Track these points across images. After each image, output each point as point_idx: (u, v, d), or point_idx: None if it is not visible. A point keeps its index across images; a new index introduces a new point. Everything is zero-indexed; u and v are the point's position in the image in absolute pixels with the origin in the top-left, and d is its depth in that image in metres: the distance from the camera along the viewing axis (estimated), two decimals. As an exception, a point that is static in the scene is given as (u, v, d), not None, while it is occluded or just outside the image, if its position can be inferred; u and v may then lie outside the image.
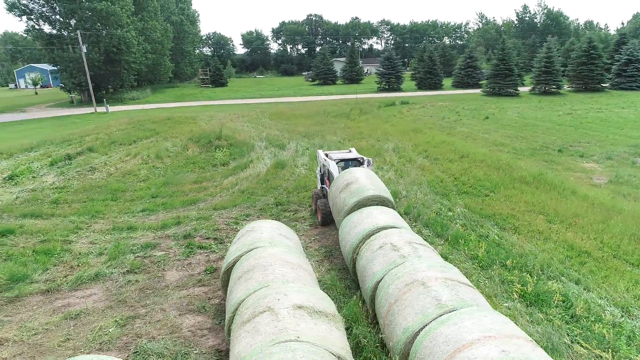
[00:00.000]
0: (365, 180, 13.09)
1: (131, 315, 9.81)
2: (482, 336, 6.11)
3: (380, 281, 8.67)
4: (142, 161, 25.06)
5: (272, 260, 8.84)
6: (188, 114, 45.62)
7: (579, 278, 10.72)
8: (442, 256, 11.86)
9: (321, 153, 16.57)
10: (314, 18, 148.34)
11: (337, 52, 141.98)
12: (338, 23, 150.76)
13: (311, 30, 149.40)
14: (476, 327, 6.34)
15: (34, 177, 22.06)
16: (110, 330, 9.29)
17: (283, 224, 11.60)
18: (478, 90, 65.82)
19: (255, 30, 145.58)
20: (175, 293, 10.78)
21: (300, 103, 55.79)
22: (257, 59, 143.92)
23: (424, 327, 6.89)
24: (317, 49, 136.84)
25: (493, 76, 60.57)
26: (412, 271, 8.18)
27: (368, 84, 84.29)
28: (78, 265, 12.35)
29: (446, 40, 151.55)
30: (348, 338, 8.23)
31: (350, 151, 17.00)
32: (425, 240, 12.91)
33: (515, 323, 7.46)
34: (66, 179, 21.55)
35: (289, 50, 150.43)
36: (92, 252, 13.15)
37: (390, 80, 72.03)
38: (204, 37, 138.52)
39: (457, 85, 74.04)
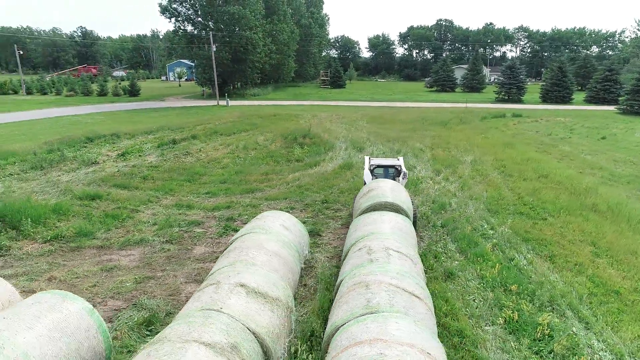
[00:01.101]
0: (386, 189, 13.31)
1: (149, 276, 11.54)
2: (375, 338, 6.34)
3: (343, 279, 9.08)
4: (230, 151, 27.71)
5: (251, 244, 9.78)
6: (295, 112, 48.48)
7: (587, 316, 9.74)
8: (450, 271, 11.69)
9: (367, 159, 16.95)
10: (443, 23, 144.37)
11: (466, 58, 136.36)
12: (469, 29, 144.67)
13: (439, 36, 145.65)
14: (378, 329, 6.56)
15: (140, 155, 25.92)
16: (128, 284, 11.09)
17: (293, 217, 12.39)
18: (613, 108, 58.42)
19: (382, 35, 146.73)
20: (192, 264, 12.31)
21: (406, 108, 55.39)
22: (381, 63, 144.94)
23: (345, 323, 7.24)
24: (444, 54, 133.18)
25: (633, 92, 53.26)
26: (366, 274, 8.47)
27: (487, 94, 79.87)
28: (133, 230, 14.64)
29: (594, 50, 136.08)
30: (303, 325, 8.82)
31: (398, 159, 17.07)
32: (442, 253, 12.79)
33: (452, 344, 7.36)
34: (162, 160, 24.93)
35: (414, 55, 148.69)
36: (148, 222, 15.43)
37: (510, 91, 67.45)
38: (332, 40, 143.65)
39: (591, 100, 66.41)
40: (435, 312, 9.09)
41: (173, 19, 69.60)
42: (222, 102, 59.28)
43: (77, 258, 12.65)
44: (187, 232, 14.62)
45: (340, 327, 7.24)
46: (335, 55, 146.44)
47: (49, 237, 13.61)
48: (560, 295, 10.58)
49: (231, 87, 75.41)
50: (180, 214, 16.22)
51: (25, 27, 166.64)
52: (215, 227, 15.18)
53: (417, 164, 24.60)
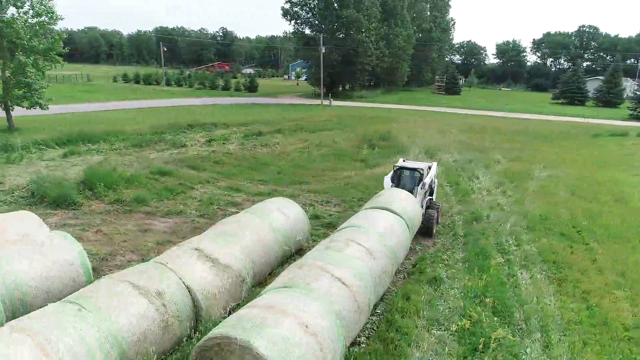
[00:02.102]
0: (395, 196, 13.59)
1: (169, 240, 13.48)
2: (268, 305, 7.18)
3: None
4: (304, 147, 29.37)
5: (235, 221, 11.06)
6: (393, 115, 48.77)
7: (553, 341, 9.16)
8: (438, 277, 11.68)
9: (400, 161, 17.10)
10: (586, 29, 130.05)
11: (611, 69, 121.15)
12: (618, 36, 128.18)
13: (581, 43, 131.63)
14: (277, 299, 7.42)
15: (223, 143, 28.90)
16: (149, 244, 13.14)
17: (297, 206, 13.27)
18: None
19: (513, 41, 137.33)
20: (209, 236, 13.99)
21: (515, 120, 51.98)
22: (508, 71, 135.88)
23: (265, 293, 8.10)
24: (585, 64, 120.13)
25: None
26: (312, 258, 9.21)
27: (624, 110, 70.59)
28: (179, 203, 16.92)
29: None
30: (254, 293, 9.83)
31: (430, 165, 16.95)
32: (444, 260, 12.77)
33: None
34: (240, 149, 27.51)
35: (548, 63, 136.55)
36: (196, 198, 17.63)
37: (648, 108, 59.06)
38: (456, 45, 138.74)
39: None
40: (384, 306, 9.41)
41: (293, 22, 74.10)
42: (326, 102, 61.69)
43: (126, 219, 15.18)
44: (221, 210, 16.43)
45: (261, 295, 8.13)
46: (459, 61, 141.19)
47: (112, 200, 16.47)
48: (539, 318, 10.01)
49: (341, 88, 77.85)
50: (225, 195, 18.18)
51: (179, 27, 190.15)
52: (241, 200, 16.80)
53: (484, 175, 23.62)
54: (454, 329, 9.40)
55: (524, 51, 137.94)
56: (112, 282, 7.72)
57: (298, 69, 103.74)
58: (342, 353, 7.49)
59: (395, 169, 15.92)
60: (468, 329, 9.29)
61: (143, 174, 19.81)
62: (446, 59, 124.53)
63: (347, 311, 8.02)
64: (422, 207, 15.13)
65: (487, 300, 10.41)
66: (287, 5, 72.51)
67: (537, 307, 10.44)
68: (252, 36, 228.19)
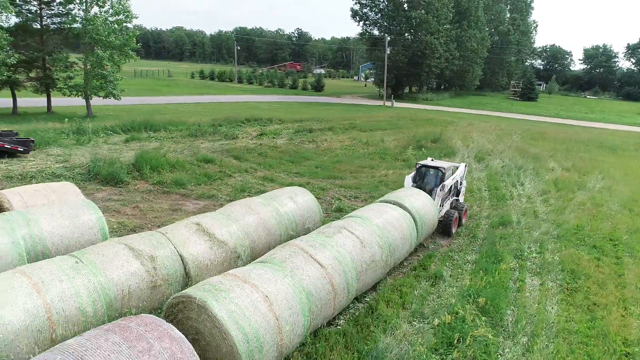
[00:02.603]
0: (408, 193, 13.78)
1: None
2: (236, 275, 7.79)
3: (293, 243, 10.38)
4: (350, 144, 29.76)
5: (244, 204, 11.86)
6: (453, 119, 47.61)
7: (539, 346, 8.91)
8: (440, 274, 11.70)
9: (428, 161, 17.03)
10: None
11: None
12: None
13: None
14: (247, 271, 8.00)
15: (273, 137, 30.07)
16: (175, 221, 14.30)
17: (311, 196, 13.70)
18: None
19: (603, 45, 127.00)
20: (231, 219, 14.91)
21: (588, 129, 48.52)
22: (595, 78, 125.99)
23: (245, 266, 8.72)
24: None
25: None
26: (299, 239, 9.69)
27: None
28: (214, 189, 18.07)
29: None
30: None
31: (457, 166, 16.75)
32: (453, 260, 12.73)
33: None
34: (287, 143, 28.50)
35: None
36: (230, 185, 18.71)
37: None
38: (538, 49, 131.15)
39: None
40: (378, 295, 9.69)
41: (361, 23, 74.47)
42: (388, 103, 61.41)
43: (162, 198, 16.58)
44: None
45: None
46: (540, 66, 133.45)
47: (155, 181, 18.02)
48: (532, 323, 9.73)
49: (408, 90, 77.00)
50: (258, 184, 19.11)
51: (257, 27, 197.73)
52: (276, 198, 17.58)
53: (530, 182, 22.62)
54: (436, 323, 9.43)
55: (615, 57, 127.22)
56: (112, 243, 8.75)
57: (367, 71, 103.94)
58: (305, 326, 7.91)
59: (417, 167, 15.89)
60: (449, 324, 9.28)
61: (187, 160, 21.35)
62: (525, 63, 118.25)
63: (318, 291, 8.41)
64: (441, 206, 15.03)
65: (480, 300, 10.26)
66: (357, 7, 73.09)
67: (533, 313, 10.12)
68: (328, 37, 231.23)
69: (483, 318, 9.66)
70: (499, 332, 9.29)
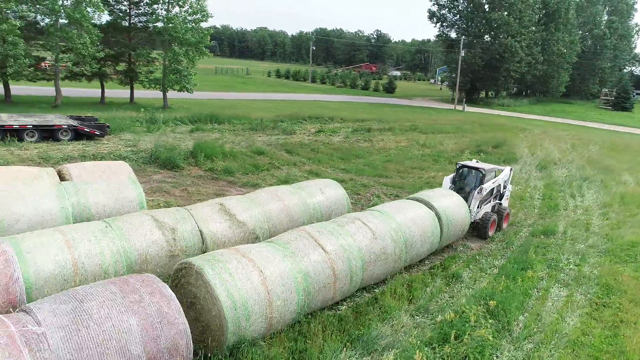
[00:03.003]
0: (438, 192, 13.88)
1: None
2: (238, 249, 8.42)
3: (308, 230, 10.85)
4: (406, 145, 29.57)
5: (272, 191, 12.58)
6: (525, 126, 45.26)
7: (539, 352, 8.62)
8: (458, 274, 11.60)
9: (472, 162, 16.72)
10: None
11: None
12: None
13: None
14: (249, 247, 8.60)
15: (330, 135, 30.64)
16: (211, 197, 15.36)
17: (342, 190, 14.07)
18: None
19: None
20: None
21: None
22: None
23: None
24: None
25: None
26: (310, 226, 10.15)
27: None
28: (260, 178, 19.02)
29: None
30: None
31: (502, 168, 16.31)
32: (479, 263, 12.58)
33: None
34: (342, 141, 28.95)
35: None
36: (276, 176, 19.55)
37: None
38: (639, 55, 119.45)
39: None
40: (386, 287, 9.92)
41: (438, 24, 72.84)
42: (459, 107, 59.60)
43: (210, 184, 17.80)
44: (292, 189, 18.07)
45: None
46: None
47: (207, 168, 19.35)
48: (542, 331, 9.38)
49: (484, 95, 74.13)
50: (302, 177, 19.76)
51: (338, 28, 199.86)
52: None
53: (593, 195, 21.17)
54: (439, 319, 9.42)
55: None
56: (140, 214, 9.79)
57: (443, 74, 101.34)
58: (298, 304, 8.35)
59: (457, 167, 15.65)
60: (451, 321, 9.24)
61: (241, 151, 22.57)
62: (623, 70, 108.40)
63: (317, 273, 8.82)
64: (478, 208, 14.74)
65: (491, 302, 10.03)
66: (434, 8, 71.63)
67: (548, 322, 9.73)
68: (409, 39, 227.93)
69: (490, 320, 9.46)
70: (503, 336, 9.08)
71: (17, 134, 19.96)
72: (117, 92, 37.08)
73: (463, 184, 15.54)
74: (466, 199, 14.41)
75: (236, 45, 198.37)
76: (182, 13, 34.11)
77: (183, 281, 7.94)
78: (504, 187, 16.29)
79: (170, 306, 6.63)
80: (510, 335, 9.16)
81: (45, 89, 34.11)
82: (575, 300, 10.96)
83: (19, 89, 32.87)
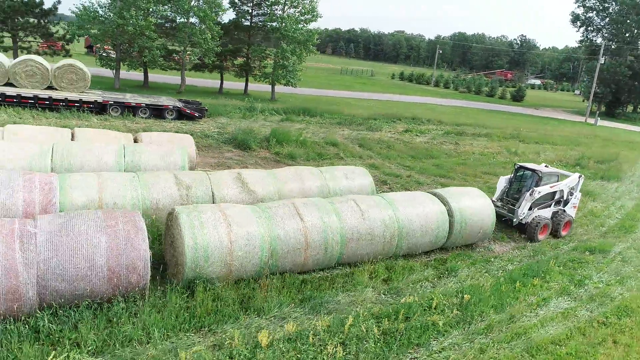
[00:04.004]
0: (461, 190, 13.86)
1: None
2: (218, 207, 9.88)
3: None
4: (494, 152, 28.23)
5: (294, 170, 13.79)
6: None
7: (488, 348, 8.49)
8: (450, 269, 11.61)
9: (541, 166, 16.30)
10: None
11: None
12: None
13: None
14: (228, 206, 10.01)
15: (416, 135, 30.62)
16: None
17: (370, 178, 14.66)
18: None
19: None
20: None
21: None
22: None
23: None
24: None
25: None
26: (304, 198, 11.17)
27: None
28: (319, 165, 20.33)
29: None
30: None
31: (569, 174, 16.09)
32: (498, 271, 12.37)
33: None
34: (425, 141, 28.79)
35: None
36: (333, 165, 20.64)
37: None
38: None
39: None
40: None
41: (582, 29, 66.06)
42: (591, 120, 53.52)
43: (270, 165, 19.61)
44: (343, 177, 19.01)
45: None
46: None
47: (274, 152, 21.27)
48: (506, 331, 9.11)
49: (632, 109, 65.26)
50: (368, 167, 20.48)
51: (479, 33, 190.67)
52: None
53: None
54: (402, 301, 9.71)
55: None
56: (166, 173, 11.82)
57: (583, 83, 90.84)
58: (261, 260, 9.47)
59: (515, 167, 15.58)
60: (409, 303, 9.49)
61: (315, 141, 24.11)
62: None
63: (287, 237, 9.83)
64: (530, 210, 14.63)
65: (465, 297, 9.96)
66: (579, 10, 65.16)
67: (519, 326, 9.35)
68: (561, 46, 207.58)
69: (455, 311, 9.47)
70: (459, 327, 9.06)
71: (133, 110, 24.19)
72: (234, 84, 41.47)
73: (520, 186, 15.49)
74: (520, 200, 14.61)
75: (372, 48, 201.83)
76: (295, 13, 36.94)
77: (169, 224, 9.65)
78: (571, 194, 15.64)
79: (138, 235, 8.33)
80: (467, 328, 9.10)
81: (175, 78, 39.76)
82: (574, 314, 10.20)
83: (155, 76, 38.89)
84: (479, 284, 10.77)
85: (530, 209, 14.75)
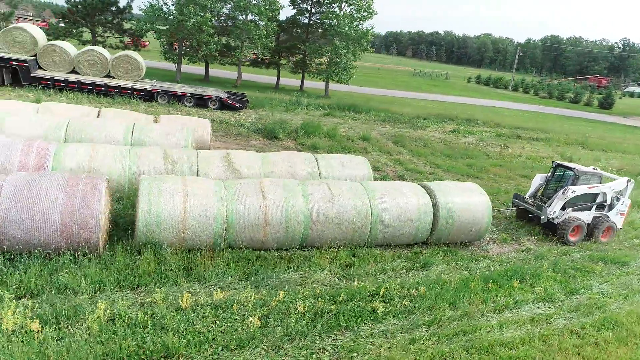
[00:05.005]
0: (457, 185, 13.25)
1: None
2: (187, 178, 10.34)
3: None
4: (542, 156, 26.21)
5: (287, 155, 13.93)
6: None
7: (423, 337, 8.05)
8: (426, 263, 11.13)
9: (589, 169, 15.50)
10: None
11: None
12: None
13: None
14: (197, 178, 10.43)
15: (463, 135, 29.30)
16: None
17: (368, 168, 14.36)
18: None
19: None
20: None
21: None
22: None
23: (218, 183, 11.10)
24: None
25: None
26: (273, 179, 11.31)
27: None
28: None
29: None
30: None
31: (615, 178, 15.38)
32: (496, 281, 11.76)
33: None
34: (469, 142, 27.47)
35: None
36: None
37: None
38: None
39: None
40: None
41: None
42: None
43: (291, 154, 19.89)
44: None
45: (219, 186, 11.17)
46: None
47: (299, 142, 21.54)
48: (449, 327, 8.56)
49: None
50: (382, 164, 20.10)
51: (576, 36, 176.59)
52: (390, 173, 18.66)
53: None
54: (354, 286, 9.48)
55: None
56: (157, 148, 12.56)
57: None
58: (215, 232, 9.75)
59: (553, 165, 15.20)
60: (354, 288, 9.24)
61: (347, 135, 24.04)
62: None
63: (246, 213, 10.03)
64: (562, 209, 14.06)
65: (420, 288, 9.49)
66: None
67: (469, 324, 8.72)
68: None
69: (405, 302, 9.06)
70: (401, 315, 8.67)
71: (179, 99, 25.75)
72: (292, 80, 42.31)
73: (557, 185, 15.07)
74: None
75: (454, 51, 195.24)
76: (352, 11, 36.98)
77: (138, 190, 10.25)
78: (617, 200, 14.75)
79: (94, 196, 9.00)
80: (409, 319, 8.68)
81: (235, 73, 41.54)
82: (547, 321, 9.28)
83: (216, 71, 40.95)
84: (446, 279, 10.17)
85: (563, 208, 14.14)
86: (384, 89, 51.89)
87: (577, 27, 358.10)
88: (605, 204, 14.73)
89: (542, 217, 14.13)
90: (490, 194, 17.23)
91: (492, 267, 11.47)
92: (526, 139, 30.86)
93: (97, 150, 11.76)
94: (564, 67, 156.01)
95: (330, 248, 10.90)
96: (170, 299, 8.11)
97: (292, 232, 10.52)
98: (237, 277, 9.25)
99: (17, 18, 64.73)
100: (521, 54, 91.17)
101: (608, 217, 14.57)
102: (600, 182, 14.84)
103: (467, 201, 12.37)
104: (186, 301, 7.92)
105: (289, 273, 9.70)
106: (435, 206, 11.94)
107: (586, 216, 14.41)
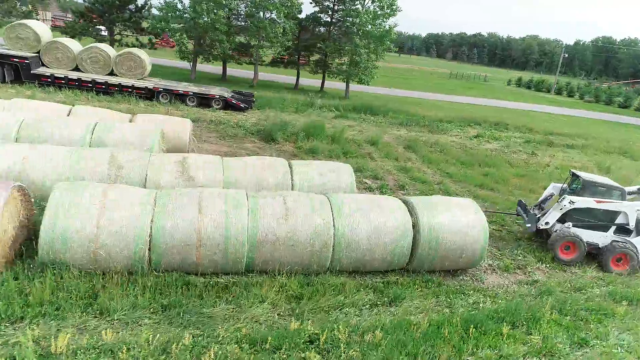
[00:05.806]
0: (450, 202, 11.04)
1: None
2: (117, 185, 8.90)
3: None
4: (576, 166, 23.27)
5: (269, 159, 12.29)
6: None
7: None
8: (398, 296, 9.24)
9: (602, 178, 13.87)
10: None
11: None
12: None
13: None
14: (123, 189, 8.97)
15: (487, 141, 26.78)
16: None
17: (352, 177, 12.49)
18: None
19: None
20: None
21: None
22: None
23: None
24: None
25: None
26: (219, 190, 9.70)
27: None
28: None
29: None
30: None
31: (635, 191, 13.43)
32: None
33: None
34: (491, 148, 24.94)
35: None
36: (357, 163, 18.54)
37: None
38: None
39: None
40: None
41: None
42: None
43: (286, 157, 18.22)
44: (365, 178, 16.84)
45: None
46: None
47: (297, 145, 19.85)
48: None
49: None
50: (387, 171, 18.15)
51: (632, 38, 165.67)
52: (391, 182, 16.75)
53: None
54: (292, 327, 7.70)
55: None
56: (107, 150, 11.24)
57: None
58: (135, 252, 8.22)
59: (571, 174, 13.62)
60: (289, 331, 7.46)
61: (354, 139, 22.17)
62: None
63: (175, 230, 8.45)
64: (554, 221, 12.47)
65: (377, 333, 7.56)
66: None
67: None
68: None
69: (351, 352, 7.20)
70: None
71: (181, 98, 24.67)
72: (312, 80, 40.69)
73: (569, 192, 13.26)
74: None
75: (497, 53, 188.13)
76: (375, 8, 34.96)
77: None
78: None
79: (-10, 203, 7.68)
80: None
81: (252, 73, 40.39)
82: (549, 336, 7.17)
83: (233, 71, 39.86)
84: (414, 321, 8.20)
85: (563, 222, 12.39)
86: (415, 90, 49.47)
87: (631, 29, 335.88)
88: (627, 226, 12.44)
89: (527, 225, 12.74)
90: (503, 209, 15.12)
91: (481, 305, 9.38)
92: (560, 146, 27.92)
93: (35, 152, 10.55)
94: (616, 70, 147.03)
95: (282, 274, 9.18)
96: (47, 339, 6.61)
97: (234, 255, 8.85)
98: (151, 309, 7.68)
99: (53, 19, 66.87)
100: (566, 55, 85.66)
101: (629, 243, 12.13)
102: (622, 199, 12.58)
103: (458, 221, 10.28)
104: (62, 343, 6.40)
105: (218, 306, 8.04)
106: (415, 227, 9.96)
107: (600, 238, 12.46)
